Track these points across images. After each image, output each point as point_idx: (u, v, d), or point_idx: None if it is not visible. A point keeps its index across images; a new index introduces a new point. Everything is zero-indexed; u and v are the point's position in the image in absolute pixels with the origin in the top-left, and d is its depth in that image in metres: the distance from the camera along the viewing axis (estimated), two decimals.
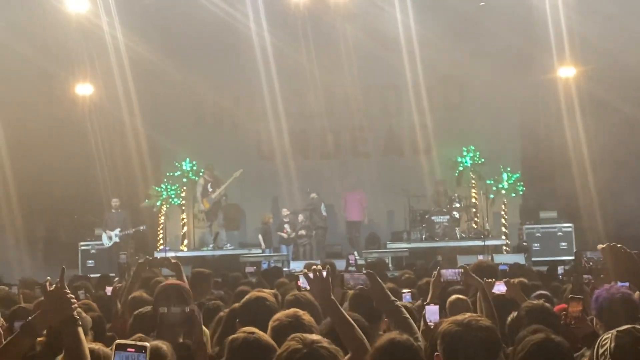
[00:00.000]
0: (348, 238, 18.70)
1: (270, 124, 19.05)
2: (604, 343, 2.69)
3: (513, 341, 4.39)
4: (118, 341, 2.89)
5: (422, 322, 5.16)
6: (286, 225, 18.31)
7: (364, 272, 4.54)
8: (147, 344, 2.89)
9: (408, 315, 4.43)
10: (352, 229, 18.54)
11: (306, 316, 4.07)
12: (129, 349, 2.85)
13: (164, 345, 3.80)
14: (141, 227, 17.86)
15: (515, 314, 5.28)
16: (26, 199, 17.30)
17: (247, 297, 4.96)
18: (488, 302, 5.52)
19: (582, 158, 17.77)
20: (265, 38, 17.89)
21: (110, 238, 17.71)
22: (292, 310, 4.18)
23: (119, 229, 17.67)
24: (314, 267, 4.17)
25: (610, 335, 2.68)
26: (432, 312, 5.13)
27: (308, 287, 4.15)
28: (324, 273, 4.08)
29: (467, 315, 3.19)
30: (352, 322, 3.93)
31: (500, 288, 6.13)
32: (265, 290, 5.60)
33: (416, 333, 4.33)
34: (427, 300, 5.46)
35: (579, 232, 17.67)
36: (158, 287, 5.06)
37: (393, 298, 4.49)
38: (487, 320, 3.19)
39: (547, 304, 5.28)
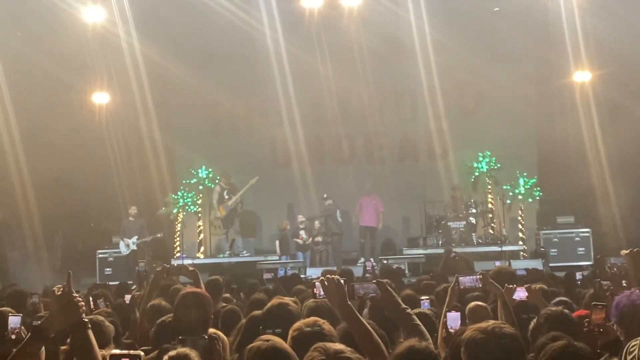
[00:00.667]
0: (360, 243, 18.57)
1: (286, 130, 19.09)
2: (632, 350, 2.68)
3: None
4: (112, 352, 2.94)
5: (441, 329, 5.16)
6: (302, 232, 18.30)
7: (374, 281, 4.54)
8: (140, 352, 2.94)
9: (419, 323, 4.41)
10: (367, 235, 18.43)
11: (326, 325, 4.06)
12: (122, 359, 2.92)
13: (191, 353, 3.80)
14: (158, 234, 17.94)
15: (536, 320, 5.25)
16: (45, 207, 17.43)
17: (270, 303, 4.97)
18: (508, 309, 5.49)
19: (599, 162, 17.70)
20: (281, 45, 17.94)
21: (127, 246, 17.79)
22: (312, 319, 4.15)
23: (136, 237, 17.75)
24: (329, 275, 4.19)
25: (638, 342, 2.67)
26: (453, 319, 5.11)
27: (323, 294, 4.15)
28: (341, 280, 4.09)
29: (491, 322, 3.19)
30: (369, 327, 3.93)
31: (521, 294, 6.11)
32: (284, 297, 5.62)
33: (429, 340, 4.32)
34: (445, 307, 5.45)
35: (597, 237, 17.57)
36: (179, 294, 5.09)
37: (404, 306, 4.48)
38: (511, 328, 3.20)
39: (565, 311, 5.25)
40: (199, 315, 4.73)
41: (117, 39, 17.38)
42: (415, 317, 4.44)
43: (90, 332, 3.34)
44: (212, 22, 17.30)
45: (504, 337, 3.06)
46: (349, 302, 4.03)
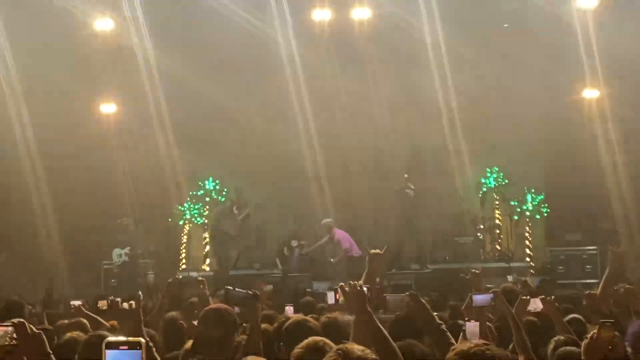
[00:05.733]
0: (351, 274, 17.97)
1: (296, 143, 19.03)
2: None
3: None
4: (108, 339, 2.68)
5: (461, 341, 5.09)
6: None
7: (407, 293, 4.50)
8: (142, 339, 2.67)
9: (454, 341, 4.36)
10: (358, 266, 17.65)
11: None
12: (121, 347, 2.62)
13: None
14: (151, 247, 17.93)
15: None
16: (54, 217, 17.48)
17: (289, 320, 4.92)
18: (518, 328, 5.35)
19: (607, 180, 17.66)
20: (294, 56, 17.94)
21: (120, 256, 17.75)
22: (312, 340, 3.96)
23: (128, 248, 17.71)
24: (350, 281, 4.16)
25: None
26: (472, 330, 5.04)
27: (341, 300, 4.12)
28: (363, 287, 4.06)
29: (474, 343, 3.11)
30: (387, 335, 3.89)
31: (536, 305, 6.05)
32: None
33: None
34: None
35: (605, 255, 17.49)
36: (202, 311, 5.01)
37: (438, 321, 4.43)
38: (495, 349, 3.10)
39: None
40: (221, 333, 4.66)
41: (130, 49, 17.45)
42: (449, 334, 4.39)
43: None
44: (224, 32, 17.35)
45: None
46: (368, 309, 3.99)
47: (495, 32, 18.11)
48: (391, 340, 3.86)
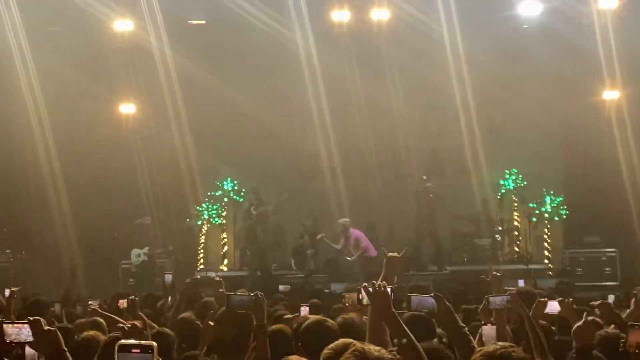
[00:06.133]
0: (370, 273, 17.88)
1: (314, 143, 19.04)
2: None
3: None
4: (120, 342, 2.73)
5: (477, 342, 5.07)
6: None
7: (432, 294, 4.46)
8: (153, 343, 2.71)
9: (476, 345, 4.33)
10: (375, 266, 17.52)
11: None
12: (133, 350, 2.67)
13: None
14: (169, 247, 18.01)
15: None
16: (72, 216, 17.61)
17: (308, 321, 4.92)
18: (535, 331, 5.28)
19: (626, 181, 17.55)
20: (312, 56, 17.96)
21: (138, 256, 17.84)
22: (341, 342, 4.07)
23: (147, 247, 17.81)
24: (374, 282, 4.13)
25: None
26: (488, 334, 5.02)
27: (365, 300, 4.10)
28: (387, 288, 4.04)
29: (499, 345, 3.09)
30: (412, 336, 3.86)
31: (553, 307, 6.02)
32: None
33: None
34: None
35: (624, 257, 17.39)
36: (220, 311, 5.03)
37: (461, 324, 4.40)
38: (520, 352, 3.08)
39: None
40: (236, 333, 4.67)
41: (148, 49, 17.55)
42: (472, 338, 4.36)
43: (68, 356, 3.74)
44: (242, 33, 17.41)
45: None
46: (393, 310, 3.97)
47: (514, 33, 18.02)
48: (417, 343, 3.82)
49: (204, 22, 18.75)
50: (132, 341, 2.74)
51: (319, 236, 17.70)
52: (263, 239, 18.10)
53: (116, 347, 2.67)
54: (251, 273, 17.47)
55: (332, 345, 3.57)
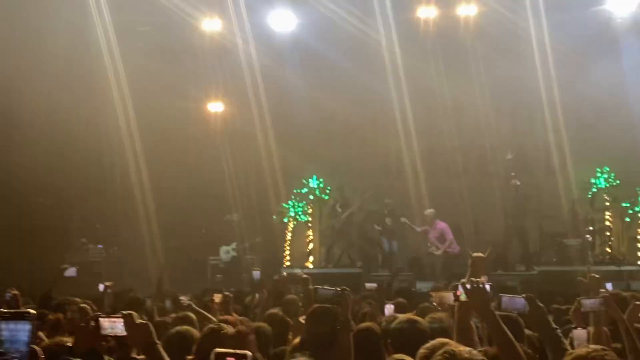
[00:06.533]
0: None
1: (399, 142, 18.96)
2: None
3: None
4: (216, 350, 2.73)
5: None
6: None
7: (523, 295, 4.39)
8: (248, 352, 2.69)
9: (569, 347, 4.24)
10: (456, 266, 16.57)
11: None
12: (227, 358, 2.68)
13: None
14: (257, 239, 18.22)
15: None
16: (160, 213, 18.01)
17: (398, 319, 4.91)
18: (630, 335, 5.16)
19: None
20: (396, 55, 17.91)
21: (227, 252, 18.11)
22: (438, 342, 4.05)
23: (235, 243, 18.06)
24: (473, 279, 4.09)
25: None
26: (579, 337, 4.92)
27: (463, 297, 4.07)
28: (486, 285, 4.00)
29: (592, 348, 3.02)
30: (511, 336, 3.80)
31: None
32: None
33: None
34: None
35: None
36: (311, 307, 5.07)
37: (554, 326, 4.31)
38: (613, 355, 3.01)
39: None
40: (326, 330, 4.70)
41: (235, 49, 17.83)
42: (564, 340, 4.28)
43: (161, 349, 3.94)
44: (327, 32, 17.49)
45: None
46: (492, 309, 3.92)
47: (605, 28, 17.51)
48: (516, 343, 3.77)
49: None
50: (227, 350, 2.75)
51: (402, 219, 17.66)
52: (353, 238, 18.19)
53: (212, 355, 2.71)
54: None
55: (428, 344, 3.56)
